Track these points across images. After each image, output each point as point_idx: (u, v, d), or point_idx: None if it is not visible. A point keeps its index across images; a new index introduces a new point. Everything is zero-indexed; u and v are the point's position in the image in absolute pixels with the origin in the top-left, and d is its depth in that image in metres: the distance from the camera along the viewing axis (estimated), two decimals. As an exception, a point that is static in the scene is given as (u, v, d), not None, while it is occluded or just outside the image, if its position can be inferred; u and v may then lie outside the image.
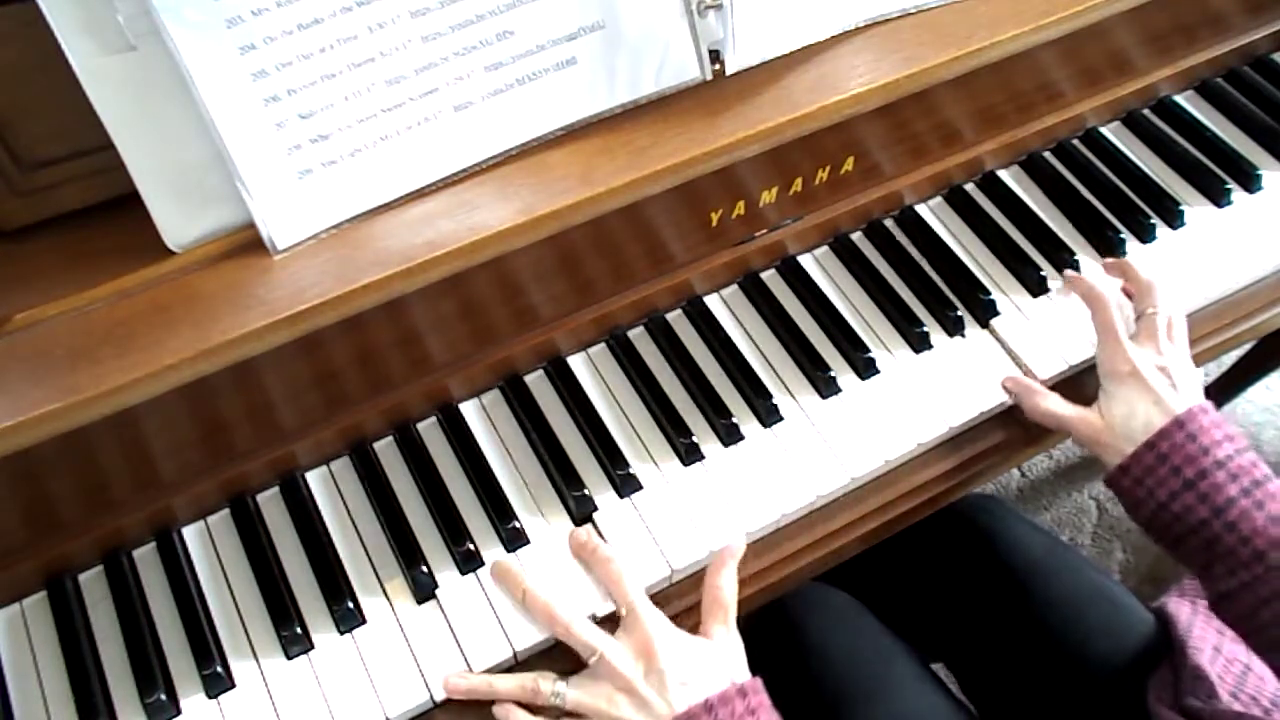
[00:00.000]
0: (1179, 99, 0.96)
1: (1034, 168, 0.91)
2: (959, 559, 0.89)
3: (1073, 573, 0.85)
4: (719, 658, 0.63)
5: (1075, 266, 0.84)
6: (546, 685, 0.63)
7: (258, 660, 0.65)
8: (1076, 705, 0.79)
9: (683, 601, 0.70)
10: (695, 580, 0.69)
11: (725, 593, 0.67)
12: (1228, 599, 0.66)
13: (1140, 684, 0.75)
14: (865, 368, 0.78)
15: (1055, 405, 0.74)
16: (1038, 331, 0.80)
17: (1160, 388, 0.69)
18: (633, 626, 0.64)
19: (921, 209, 0.88)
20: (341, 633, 0.66)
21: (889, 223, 0.87)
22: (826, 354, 0.79)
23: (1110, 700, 0.77)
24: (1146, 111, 0.95)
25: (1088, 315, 0.76)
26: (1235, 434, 0.67)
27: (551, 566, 0.69)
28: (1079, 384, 0.79)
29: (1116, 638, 0.80)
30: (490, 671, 0.65)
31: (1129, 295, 0.78)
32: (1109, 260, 0.82)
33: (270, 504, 0.72)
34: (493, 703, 0.64)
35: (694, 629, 0.66)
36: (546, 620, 0.65)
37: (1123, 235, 0.86)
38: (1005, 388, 0.77)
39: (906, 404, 0.76)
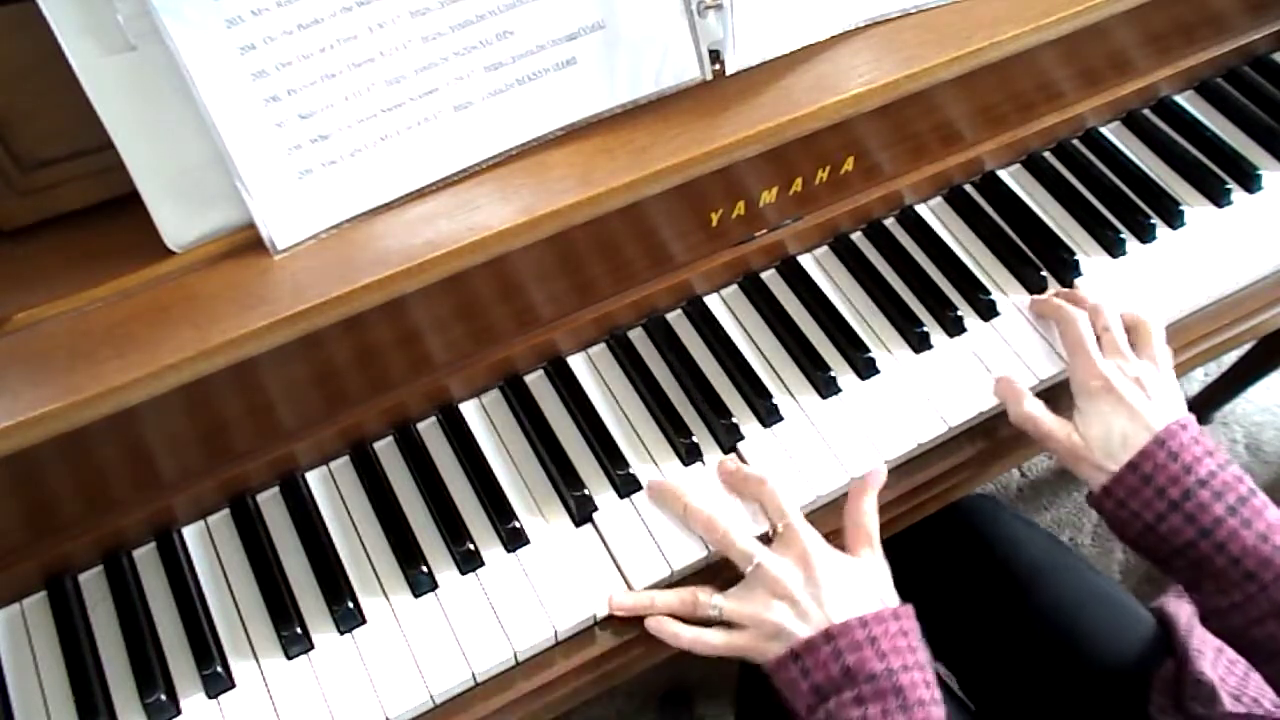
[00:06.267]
0: (1179, 99, 0.96)
1: (1034, 168, 0.91)
2: (957, 560, 0.89)
3: (1071, 573, 0.85)
4: (870, 578, 0.65)
5: (1076, 266, 0.84)
6: (705, 596, 0.65)
7: (258, 660, 0.65)
8: (1076, 706, 0.79)
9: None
10: (695, 580, 0.69)
11: (868, 518, 0.68)
12: (1218, 615, 0.65)
13: (1140, 684, 0.75)
14: (865, 368, 0.78)
15: (1040, 413, 0.72)
16: (1037, 332, 0.80)
17: (1135, 400, 0.68)
18: (790, 540, 0.66)
19: (921, 209, 0.88)
20: (341, 633, 0.66)
21: (889, 223, 0.87)
22: (826, 354, 0.79)
23: (1110, 701, 0.77)
24: (1146, 111, 0.95)
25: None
26: (1215, 448, 0.66)
27: (551, 566, 0.69)
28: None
29: (1116, 638, 0.80)
30: (491, 670, 0.65)
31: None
32: (1059, 291, 0.81)
33: (270, 504, 0.72)
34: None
35: None
36: (707, 530, 0.67)
37: (1123, 235, 0.86)
38: (996, 389, 0.76)
39: (906, 404, 0.76)
